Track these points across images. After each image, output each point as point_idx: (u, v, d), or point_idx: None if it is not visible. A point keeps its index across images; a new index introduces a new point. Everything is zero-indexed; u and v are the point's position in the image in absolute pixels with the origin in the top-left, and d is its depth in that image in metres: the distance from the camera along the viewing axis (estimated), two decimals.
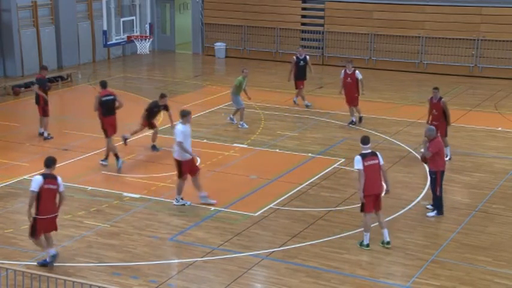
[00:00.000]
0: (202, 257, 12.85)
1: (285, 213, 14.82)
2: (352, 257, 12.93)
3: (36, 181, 12.17)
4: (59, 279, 10.27)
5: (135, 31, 24.05)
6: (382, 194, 13.40)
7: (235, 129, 20.98)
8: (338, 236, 13.77)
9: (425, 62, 29.59)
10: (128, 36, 23.23)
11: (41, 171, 12.49)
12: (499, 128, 21.29)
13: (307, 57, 23.55)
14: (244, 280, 12.04)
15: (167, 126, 21.23)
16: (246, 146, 19.44)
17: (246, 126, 21.13)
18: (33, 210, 12.18)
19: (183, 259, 12.87)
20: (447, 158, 17.65)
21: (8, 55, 27.70)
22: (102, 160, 17.84)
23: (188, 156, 15.04)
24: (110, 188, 16.17)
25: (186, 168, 15.10)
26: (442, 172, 14.68)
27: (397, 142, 19.70)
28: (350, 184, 16.43)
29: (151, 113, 18.92)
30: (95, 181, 16.67)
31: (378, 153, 13.39)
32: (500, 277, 12.27)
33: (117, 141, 18.08)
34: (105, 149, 17.82)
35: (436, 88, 18.05)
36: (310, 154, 18.61)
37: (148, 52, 23.71)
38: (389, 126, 21.40)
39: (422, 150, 15.45)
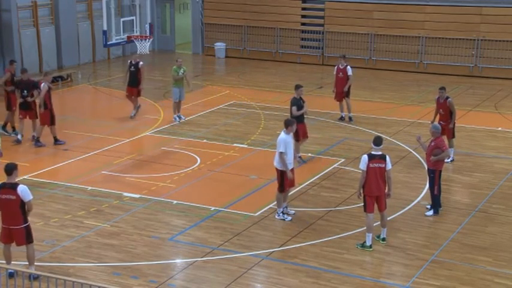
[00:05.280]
0: (202, 257, 12.84)
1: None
2: (352, 257, 12.92)
3: None
4: (59, 279, 10.26)
5: (135, 31, 24.00)
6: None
7: (235, 129, 20.97)
8: (338, 236, 13.76)
9: (425, 62, 29.58)
10: (128, 36, 23.17)
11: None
12: (499, 128, 21.28)
13: (141, 63, 22.21)
14: (244, 280, 12.04)
15: (167, 126, 21.25)
16: (246, 146, 19.43)
17: (178, 120, 21.70)
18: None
19: (183, 259, 12.87)
20: (449, 160, 17.65)
21: (8, 55, 27.63)
22: None
23: (290, 166, 14.32)
24: (110, 188, 16.15)
25: (287, 181, 14.33)
26: (440, 171, 14.69)
27: (397, 142, 19.68)
28: (350, 184, 16.42)
29: None
30: (95, 181, 16.65)
31: (387, 157, 13.20)
32: (500, 277, 12.26)
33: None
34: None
35: (442, 88, 18.00)
36: (310, 154, 18.60)
37: (148, 52, 23.64)
38: (389, 126, 21.39)
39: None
